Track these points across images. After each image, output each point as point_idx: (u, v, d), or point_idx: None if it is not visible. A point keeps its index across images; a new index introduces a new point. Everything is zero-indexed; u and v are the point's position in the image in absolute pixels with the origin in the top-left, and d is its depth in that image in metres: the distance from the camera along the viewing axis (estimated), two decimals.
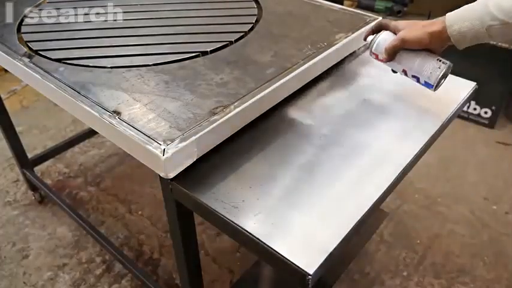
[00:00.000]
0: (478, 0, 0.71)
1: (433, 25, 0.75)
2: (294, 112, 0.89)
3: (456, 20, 0.72)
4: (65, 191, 1.79)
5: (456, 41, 0.74)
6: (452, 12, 0.73)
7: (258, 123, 0.85)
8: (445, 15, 0.74)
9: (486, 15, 0.68)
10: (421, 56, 0.79)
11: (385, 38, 0.83)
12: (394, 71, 0.88)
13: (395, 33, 0.82)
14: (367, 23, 1.05)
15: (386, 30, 0.85)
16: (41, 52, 0.97)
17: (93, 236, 1.44)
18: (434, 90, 0.81)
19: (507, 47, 1.94)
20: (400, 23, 0.81)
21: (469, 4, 0.72)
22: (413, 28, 0.78)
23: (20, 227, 1.64)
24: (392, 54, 0.81)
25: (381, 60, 0.86)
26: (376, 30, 0.86)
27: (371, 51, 0.86)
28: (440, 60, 0.78)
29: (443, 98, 0.92)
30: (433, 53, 0.80)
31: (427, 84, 0.81)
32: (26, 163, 1.65)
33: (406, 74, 0.83)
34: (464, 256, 1.50)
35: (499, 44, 1.95)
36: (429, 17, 2.17)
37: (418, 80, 0.82)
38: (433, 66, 0.78)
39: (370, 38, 0.86)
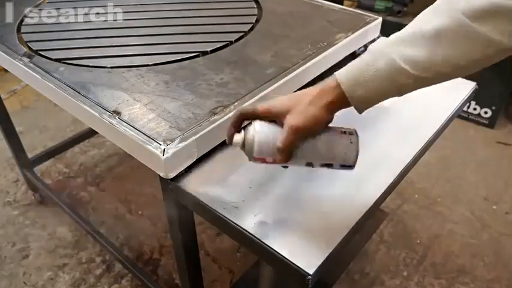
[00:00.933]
0: (370, 55, 0.56)
1: (325, 96, 0.57)
2: None
3: (357, 83, 0.56)
4: (65, 191, 1.79)
5: (360, 108, 0.59)
6: (344, 72, 0.57)
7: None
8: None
9: (396, 73, 0.53)
10: (323, 139, 0.60)
11: (265, 134, 0.59)
12: (284, 167, 0.66)
13: (272, 121, 0.60)
14: (367, 23, 1.05)
15: (253, 118, 0.61)
16: (41, 52, 0.97)
17: (93, 236, 1.44)
18: (353, 169, 0.62)
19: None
20: (273, 107, 0.59)
21: (361, 59, 0.56)
22: (301, 109, 0.57)
23: (20, 227, 1.64)
24: (290, 153, 0.59)
25: (271, 163, 0.61)
26: (239, 124, 0.61)
27: (251, 156, 0.61)
28: (345, 133, 0.61)
29: (443, 98, 0.92)
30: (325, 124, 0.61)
31: (343, 167, 0.62)
32: (26, 163, 1.65)
33: (311, 166, 0.62)
34: (464, 256, 1.50)
35: None
36: None
37: (330, 167, 0.62)
38: (344, 145, 0.60)
39: (237, 139, 0.61)
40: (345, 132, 0.61)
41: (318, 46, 0.96)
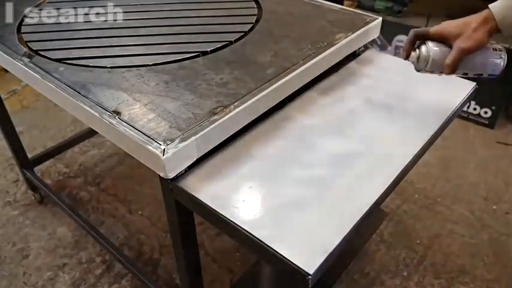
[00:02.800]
0: None
1: (486, 24, 0.72)
2: (294, 112, 0.89)
3: (503, 10, 0.71)
4: (65, 191, 1.79)
5: (508, 33, 0.73)
6: (496, 4, 0.72)
7: (258, 123, 0.85)
8: (472, 11, 0.74)
9: None
10: (479, 54, 0.75)
11: (437, 52, 0.76)
12: (440, 72, 0.80)
13: (440, 41, 0.76)
14: (367, 23, 1.05)
15: (426, 39, 0.77)
16: (41, 52, 0.97)
17: (93, 236, 1.44)
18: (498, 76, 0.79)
19: (507, 47, 1.94)
20: (444, 29, 0.75)
21: None
22: (468, 34, 0.73)
23: (20, 227, 1.64)
24: (456, 68, 0.76)
25: (438, 74, 0.79)
26: (414, 42, 0.79)
27: (423, 68, 0.78)
28: (495, 49, 0.77)
29: (443, 98, 0.92)
30: None
31: (490, 76, 0.79)
32: (26, 163, 1.65)
33: (466, 75, 0.80)
34: (464, 256, 1.50)
35: (499, 43, 1.95)
36: (429, 17, 2.16)
37: (480, 76, 0.79)
38: (494, 58, 0.76)
39: (413, 55, 0.78)
40: (495, 49, 0.77)
41: (318, 46, 0.96)
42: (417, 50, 0.78)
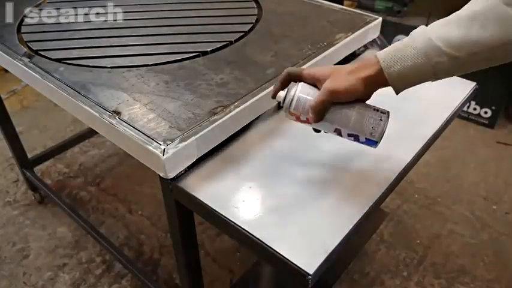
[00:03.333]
0: (409, 38, 0.60)
1: (363, 69, 0.62)
2: None
3: (394, 59, 0.59)
4: (65, 191, 1.79)
5: (395, 85, 0.62)
6: (384, 51, 0.61)
7: (258, 123, 0.85)
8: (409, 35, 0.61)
9: (431, 50, 0.57)
10: (355, 110, 0.64)
11: (304, 93, 0.66)
12: (316, 131, 0.71)
13: (313, 85, 0.66)
14: (367, 23, 1.05)
15: (299, 80, 0.67)
16: (41, 52, 0.97)
17: (93, 236, 1.44)
18: (376, 146, 0.67)
19: None
20: (318, 71, 0.66)
21: (401, 41, 0.61)
22: (340, 76, 0.63)
23: (20, 227, 1.64)
24: (321, 113, 0.64)
25: (304, 122, 0.68)
26: (285, 83, 0.68)
27: (288, 111, 0.67)
28: (378, 110, 0.65)
29: (443, 98, 0.92)
30: (362, 101, 0.66)
31: (368, 142, 0.66)
32: (26, 163, 1.65)
33: (339, 134, 0.67)
34: (464, 256, 1.50)
35: None
36: (429, 17, 2.16)
37: (356, 139, 0.67)
38: (373, 120, 0.64)
39: (281, 94, 0.68)
40: (377, 110, 0.65)
41: (318, 46, 0.96)
42: (286, 90, 0.68)
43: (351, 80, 0.62)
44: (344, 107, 0.64)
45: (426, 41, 0.57)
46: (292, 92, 0.66)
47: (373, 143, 0.66)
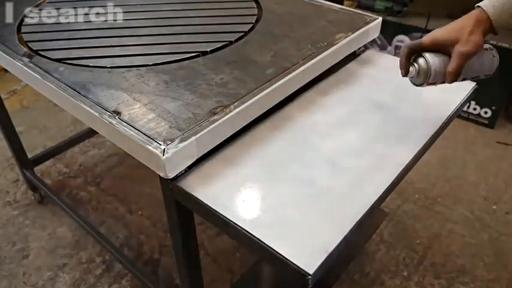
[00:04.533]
0: None
1: (479, 25, 0.70)
2: (294, 112, 0.89)
3: (501, 13, 0.69)
4: (65, 191, 1.79)
5: (499, 30, 0.72)
6: (487, 2, 0.70)
7: (258, 123, 0.85)
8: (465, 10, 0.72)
9: None
10: (475, 57, 0.73)
11: (437, 63, 0.72)
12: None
13: (436, 51, 0.73)
14: (367, 23, 1.05)
15: (421, 50, 0.73)
16: (41, 52, 0.97)
17: (93, 236, 1.44)
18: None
19: (507, 47, 1.94)
20: (438, 37, 0.72)
21: None
22: (468, 39, 0.70)
23: (20, 227, 1.64)
24: (459, 75, 0.73)
25: (439, 84, 0.76)
26: (410, 56, 0.75)
27: (427, 82, 0.74)
28: (487, 49, 0.76)
29: (443, 98, 0.92)
30: None
31: (486, 76, 0.78)
32: (26, 163, 1.65)
33: (463, 80, 0.77)
34: (464, 256, 1.50)
35: (499, 43, 1.95)
36: (429, 17, 2.16)
37: (477, 78, 0.78)
38: (488, 60, 0.76)
39: (412, 70, 0.75)
40: (487, 49, 0.75)
41: (318, 46, 0.96)
42: (415, 64, 0.74)
43: (476, 39, 0.70)
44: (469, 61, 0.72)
45: None
46: (424, 65, 0.72)
47: (490, 75, 0.78)
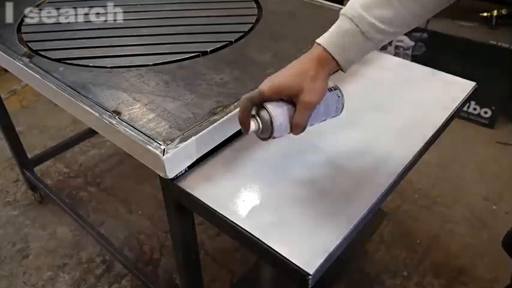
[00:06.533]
0: (347, 21, 0.61)
1: (322, 68, 0.62)
2: None
3: (344, 50, 0.62)
4: (65, 191, 1.79)
5: (347, 68, 0.65)
6: (332, 43, 0.62)
7: None
8: (320, 43, 0.63)
9: (376, 32, 0.61)
10: (321, 103, 0.65)
11: (280, 114, 0.62)
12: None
13: (278, 100, 0.63)
14: None
15: (261, 102, 0.63)
16: (41, 52, 0.97)
17: (93, 236, 1.44)
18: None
19: (507, 47, 1.94)
20: (280, 86, 0.62)
21: (339, 27, 0.62)
22: (311, 86, 0.61)
23: (20, 227, 1.64)
24: (305, 127, 0.64)
25: (288, 134, 0.66)
26: (249, 111, 0.63)
27: (268, 136, 0.64)
28: (331, 89, 0.67)
29: (443, 98, 0.92)
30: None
31: (333, 117, 0.70)
32: (26, 163, 1.65)
33: (311, 125, 0.67)
34: (464, 256, 1.50)
35: (499, 43, 1.95)
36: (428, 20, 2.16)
37: (324, 121, 0.70)
38: (334, 101, 0.68)
39: (254, 126, 0.63)
40: (330, 89, 0.67)
41: None
42: (257, 118, 0.64)
43: (320, 85, 0.62)
44: None
45: (370, 25, 0.60)
46: (266, 119, 0.62)
47: (337, 116, 0.71)
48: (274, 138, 0.65)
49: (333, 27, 0.63)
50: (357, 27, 0.60)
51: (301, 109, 0.62)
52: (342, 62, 0.62)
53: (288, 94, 0.62)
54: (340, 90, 0.69)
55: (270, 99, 0.63)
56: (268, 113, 0.62)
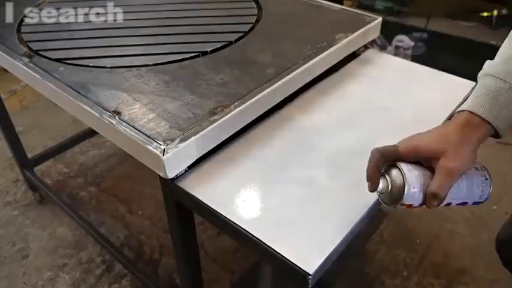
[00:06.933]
0: (492, 80, 0.56)
1: (471, 134, 0.55)
2: (294, 112, 0.89)
3: (497, 112, 0.54)
4: (65, 191, 1.79)
5: (504, 133, 0.56)
6: (480, 106, 0.55)
7: (258, 123, 0.85)
8: (459, 108, 0.56)
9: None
10: (464, 179, 0.57)
11: (414, 179, 0.55)
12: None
13: (415, 162, 0.57)
14: (367, 23, 1.05)
15: (392, 160, 0.57)
16: (41, 52, 0.97)
17: (93, 236, 1.44)
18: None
19: None
20: (420, 147, 0.56)
21: (484, 87, 0.56)
22: (456, 151, 0.54)
23: (20, 227, 1.64)
24: (443, 198, 0.55)
25: (417, 207, 0.58)
26: (379, 167, 0.57)
27: (400, 202, 0.56)
28: (477, 169, 0.60)
29: (443, 98, 0.92)
30: None
31: (475, 204, 0.62)
32: (26, 163, 1.65)
33: (449, 205, 0.60)
34: (464, 256, 1.50)
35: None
36: (429, 17, 2.16)
37: (464, 204, 0.61)
38: (480, 183, 0.59)
39: (382, 185, 0.57)
40: (477, 168, 0.60)
41: (318, 46, 0.96)
42: (387, 177, 0.57)
43: (468, 151, 0.55)
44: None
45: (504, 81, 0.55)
46: (399, 182, 0.55)
47: (479, 203, 0.61)
48: (401, 206, 0.56)
49: (473, 93, 0.57)
50: (506, 82, 0.55)
51: (441, 176, 0.54)
52: (496, 122, 0.54)
53: (426, 156, 0.55)
54: (488, 172, 0.60)
55: (405, 159, 0.57)
56: (402, 175, 0.55)
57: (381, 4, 2.32)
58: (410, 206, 0.56)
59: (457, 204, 0.60)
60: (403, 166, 0.55)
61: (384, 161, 0.57)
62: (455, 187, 0.56)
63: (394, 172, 0.56)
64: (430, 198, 0.55)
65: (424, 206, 0.57)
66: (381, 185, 0.57)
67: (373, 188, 0.58)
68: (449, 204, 0.59)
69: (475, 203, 0.61)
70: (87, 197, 1.76)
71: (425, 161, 0.56)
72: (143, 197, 1.74)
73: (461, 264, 1.47)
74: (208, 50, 0.96)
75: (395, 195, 0.56)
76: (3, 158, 1.95)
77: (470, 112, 0.55)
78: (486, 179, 0.59)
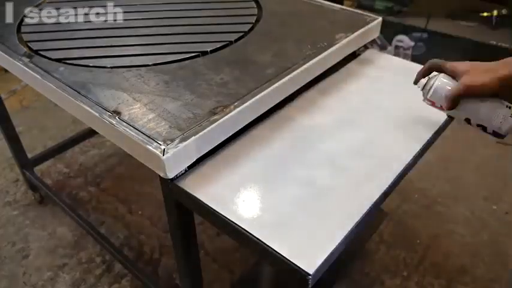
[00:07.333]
0: None
1: (499, 69, 0.66)
2: (294, 112, 0.89)
3: None
4: (65, 191, 1.79)
5: None
6: None
7: (258, 123, 0.85)
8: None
9: None
10: (487, 102, 0.71)
11: (443, 83, 0.74)
12: (450, 117, 0.82)
13: (452, 76, 0.74)
14: (367, 23, 1.05)
15: (440, 71, 0.76)
16: (41, 52, 0.97)
17: (93, 236, 1.44)
18: (503, 137, 0.74)
19: (507, 47, 1.94)
20: (459, 65, 0.72)
21: None
22: (477, 72, 0.69)
23: (20, 227, 1.64)
24: (455, 103, 0.72)
25: (439, 108, 0.77)
26: (428, 71, 0.78)
27: (425, 97, 0.78)
28: (509, 107, 0.70)
29: None
30: (497, 97, 0.71)
31: (495, 134, 0.74)
32: (26, 163, 1.65)
33: (469, 123, 0.76)
34: (464, 256, 1.50)
35: (499, 43, 1.95)
36: (429, 17, 2.16)
37: (484, 130, 0.74)
38: (503, 114, 0.70)
39: (422, 81, 0.78)
40: (508, 106, 0.70)
41: (318, 46, 0.96)
42: (427, 78, 0.78)
43: (486, 78, 0.67)
44: (477, 100, 0.71)
45: None
46: (431, 82, 0.75)
47: (499, 135, 0.73)
48: (429, 103, 0.77)
49: None
50: None
51: (457, 86, 0.70)
52: None
53: (459, 73, 0.71)
54: None
55: (446, 72, 0.74)
56: (436, 78, 0.75)
57: (380, 4, 2.32)
58: (433, 103, 0.77)
59: (477, 125, 0.75)
60: (441, 75, 0.75)
61: (432, 68, 0.77)
62: (474, 105, 0.72)
63: (433, 77, 0.76)
64: (444, 99, 0.73)
65: (442, 109, 0.76)
66: (421, 81, 0.78)
67: (415, 81, 0.80)
68: (468, 120, 0.74)
69: (494, 133, 0.73)
70: (87, 197, 1.76)
71: (458, 77, 0.72)
72: (143, 197, 1.74)
73: (461, 264, 1.47)
74: (208, 50, 0.96)
75: (426, 90, 0.77)
76: (3, 158, 1.95)
77: None
78: (510, 116, 0.70)
